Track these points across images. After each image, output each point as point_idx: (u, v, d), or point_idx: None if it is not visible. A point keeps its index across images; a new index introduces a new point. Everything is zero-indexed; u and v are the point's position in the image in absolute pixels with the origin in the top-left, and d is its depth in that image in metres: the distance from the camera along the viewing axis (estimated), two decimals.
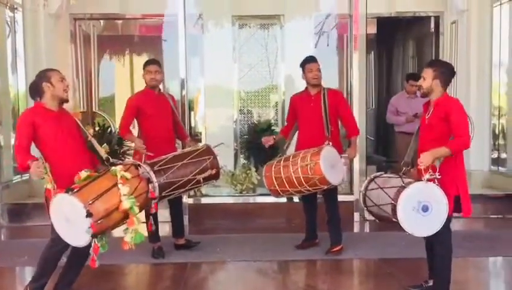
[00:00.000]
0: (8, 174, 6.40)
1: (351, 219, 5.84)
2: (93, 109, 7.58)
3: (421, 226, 3.31)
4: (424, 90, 3.52)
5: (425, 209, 3.27)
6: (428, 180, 3.27)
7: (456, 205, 3.41)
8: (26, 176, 6.51)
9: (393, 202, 3.35)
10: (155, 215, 4.54)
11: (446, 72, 3.52)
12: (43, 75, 3.48)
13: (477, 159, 6.77)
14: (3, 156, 6.21)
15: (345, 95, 5.99)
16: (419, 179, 3.32)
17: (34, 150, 3.36)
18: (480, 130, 6.87)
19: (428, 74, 3.50)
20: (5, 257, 4.74)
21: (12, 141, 5.04)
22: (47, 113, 3.44)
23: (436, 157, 3.33)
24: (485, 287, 4.22)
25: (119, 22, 7.87)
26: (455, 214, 3.49)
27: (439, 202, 3.28)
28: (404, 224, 3.31)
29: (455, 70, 3.65)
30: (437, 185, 3.29)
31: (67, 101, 3.54)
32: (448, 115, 3.39)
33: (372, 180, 3.68)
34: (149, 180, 3.43)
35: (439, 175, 3.27)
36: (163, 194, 4.14)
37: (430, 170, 3.27)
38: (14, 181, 6.48)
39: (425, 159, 3.29)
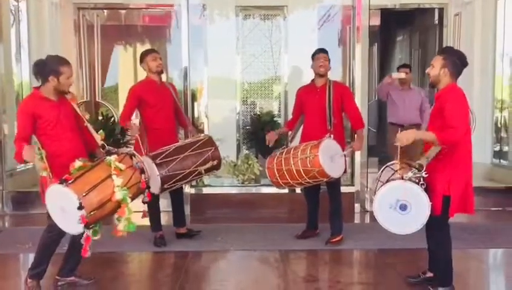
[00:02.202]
0: (12, 162, 6.43)
1: (352, 210, 5.87)
2: (97, 99, 7.60)
3: (399, 224, 3.27)
4: (431, 78, 3.38)
5: (403, 208, 3.20)
6: (414, 178, 3.19)
7: (446, 205, 3.31)
8: (30, 165, 6.55)
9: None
10: (157, 205, 4.60)
11: (456, 62, 3.32)
12: (55, 69, 3.38)
13: (479, 151, 6.72)
14: (7, 144, 6.25)
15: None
16: (402, 177, 3.23)
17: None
18: (482, 123, 6.89)
19: (437, 61, 3.34)
20: (9, 244, 4.80)
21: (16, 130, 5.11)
22: (46, 102, 3.43)
23: (418, 138, 3.22)
24: (485, 278, 4.25)
25: (123, 11, 7.86)
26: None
27: (420, 202, 3.20)
28: (380, 220, 3.30)
29: (467, 60, 3.41)
30: (422, 184, 3.19)
31: (67, 93, 3.54)
32: (443, 106, 3.23)
33: (383, 169, 3.56)
34: (142, 171, 3.42)
35: (426, 174, 3.19)
36: (165, 187, 4.19)
37: (414, 169, 3.20)
38: (18, 169, 6.53)
39: (402, 136, 3.22)
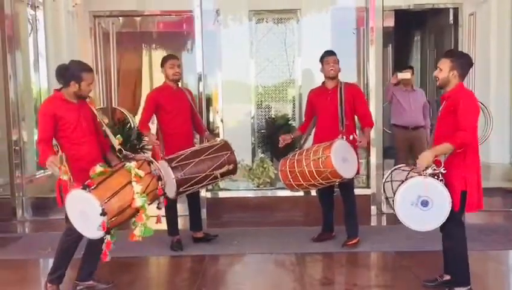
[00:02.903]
0: (32, 169, 6.55)
1: (368, 212, 5.83)
2: (113, 105, 7.69)
3: (420, 220, 3.29)
4: (439, 81, 3.42)
5: (424, 204, 3.22)
6: (432, 175, 3.22)
7: (464, 201, 3.32)
8: (49, 171, 6.65)
9: (393, 195, 3.37)
10: (175, 209, 4.63)
11: (464, 64, 3.40)
12: (77, 75, 3.43)
13: (497, 151, 6.68)
14: (26, 151, 6.35)
15: (361, 89, 5.98)
16: (421, 174, 3.26)
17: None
18: (500, 123, 6.79)
19: (445, 64, 3.38)
20: (29, 249, 4.88)
21: (35, 137, 5.22)
22: (67, 104, 3.48)
23: (438, 155, 3.25)
24: (504, 280, 4.19)
25: (138, 18, 7.96)
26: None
27: (441, 198, 3.22)
28: (401, 217, 3.32)
29: (473, 61, 3.51)
30: (441, 180, 3.22)
31: (86, 98, 3.61)
32: (456, 107, 3.28)
33: (391, 172, 3.66)
34: (159, 178, 3.46)
35: (444, 170, 3.22)
36: (181, 190, 4.22)
37: (433, 165, 3.22)
38: (37, 176, 6.64)
39: (423, 159, 3.24)
